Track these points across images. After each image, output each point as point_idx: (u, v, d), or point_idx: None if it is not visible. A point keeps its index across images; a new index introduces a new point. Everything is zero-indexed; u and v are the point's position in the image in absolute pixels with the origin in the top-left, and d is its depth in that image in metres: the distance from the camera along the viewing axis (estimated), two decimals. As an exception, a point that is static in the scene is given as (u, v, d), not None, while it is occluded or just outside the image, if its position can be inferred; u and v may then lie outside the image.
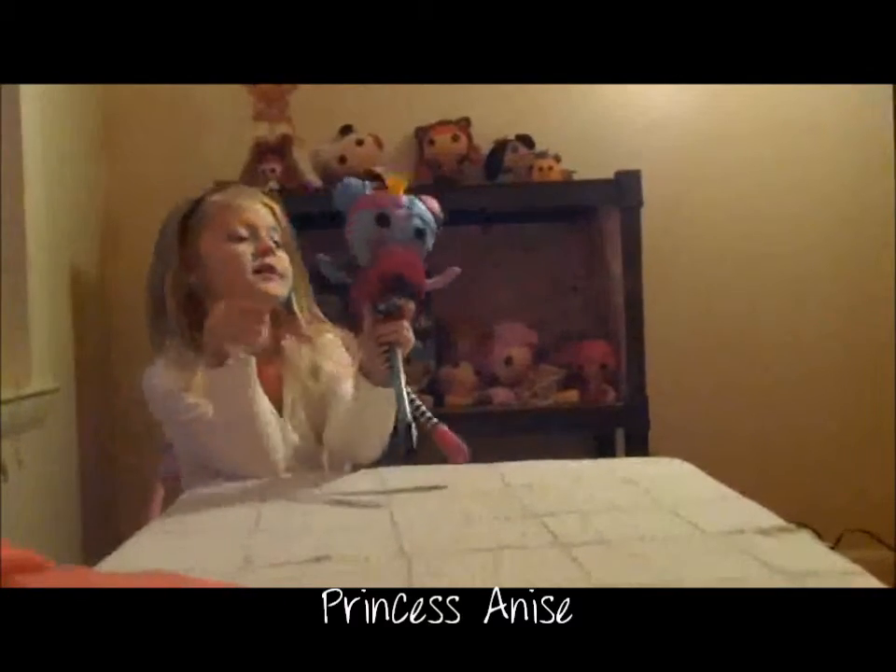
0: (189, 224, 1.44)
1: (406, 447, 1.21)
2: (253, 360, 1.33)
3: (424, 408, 1.41)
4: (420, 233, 1.26)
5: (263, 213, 1.45)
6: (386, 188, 1.28)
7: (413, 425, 1.22)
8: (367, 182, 1.28)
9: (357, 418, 1.36)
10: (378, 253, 1.24)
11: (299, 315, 1.48)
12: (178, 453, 1.49)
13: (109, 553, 0.94)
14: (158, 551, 0.96)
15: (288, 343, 1.47)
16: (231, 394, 1.32)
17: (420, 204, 1.27)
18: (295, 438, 1.41)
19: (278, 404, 1.42)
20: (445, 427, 1.25)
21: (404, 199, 1.26)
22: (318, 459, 1.43)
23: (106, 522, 2.44)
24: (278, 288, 1.41)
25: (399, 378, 1.25)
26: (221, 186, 1.53)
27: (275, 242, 1.43)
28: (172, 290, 1.41)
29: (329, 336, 1.51)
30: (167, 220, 1.47)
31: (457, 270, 1.29)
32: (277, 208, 1.48)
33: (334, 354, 1.50)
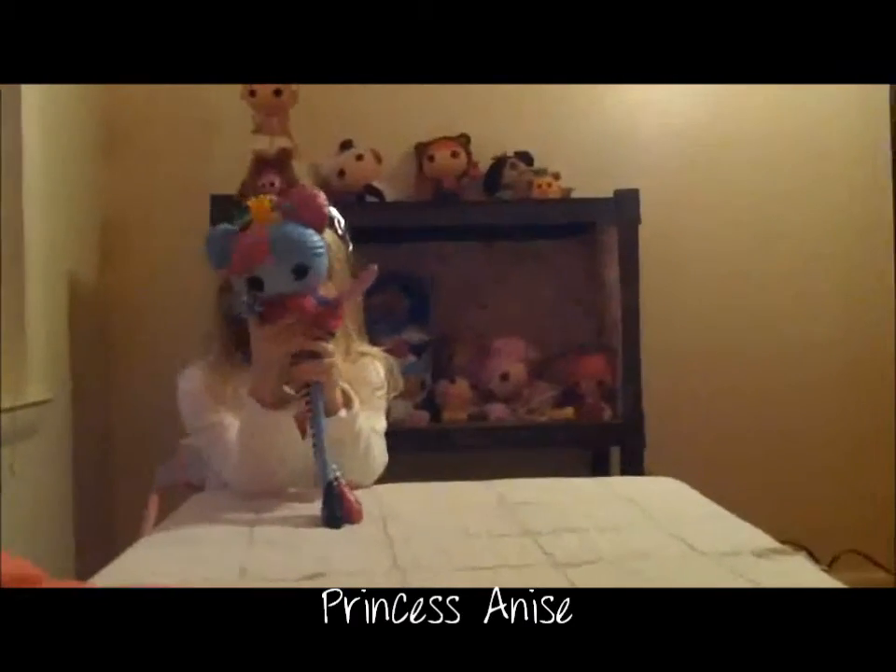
0: None
1: (328, 511, 1.12)
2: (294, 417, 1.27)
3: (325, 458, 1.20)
4: (302, 270, 1.13)
5: None
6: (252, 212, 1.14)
7: (337, 484, 1.13)
8: (228, 228, 1.15)
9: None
10: (270, 310, 1.15)
11: (341, 341, 1.43)
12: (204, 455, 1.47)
13: (104, 565, 0.94)
14: (153, 563, 0.95)
15: None
16: (268, 438, 1.29)
17: (293, 230, 1.12)
18: (311, 459, 1.39)
19: (303, 425, 1.40)
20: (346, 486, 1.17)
21: (269, 235, 1.11)
22: None
23: (101, 532, 2.43)
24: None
25: (318, 422, 1.17)
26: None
27: None
28: (217, 303, 1.43)
29: (365, 360, 1.47)
30: None
31: (374, 269, 1.17)
32: (332, 237, 1.38)
33: (365, 379, 1.45)
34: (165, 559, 0.97)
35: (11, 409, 1.90)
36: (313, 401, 1.19)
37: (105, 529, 2.45)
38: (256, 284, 1.13)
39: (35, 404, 2.02)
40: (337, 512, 1.12)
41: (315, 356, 1.20)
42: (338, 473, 1.16)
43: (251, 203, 1.15)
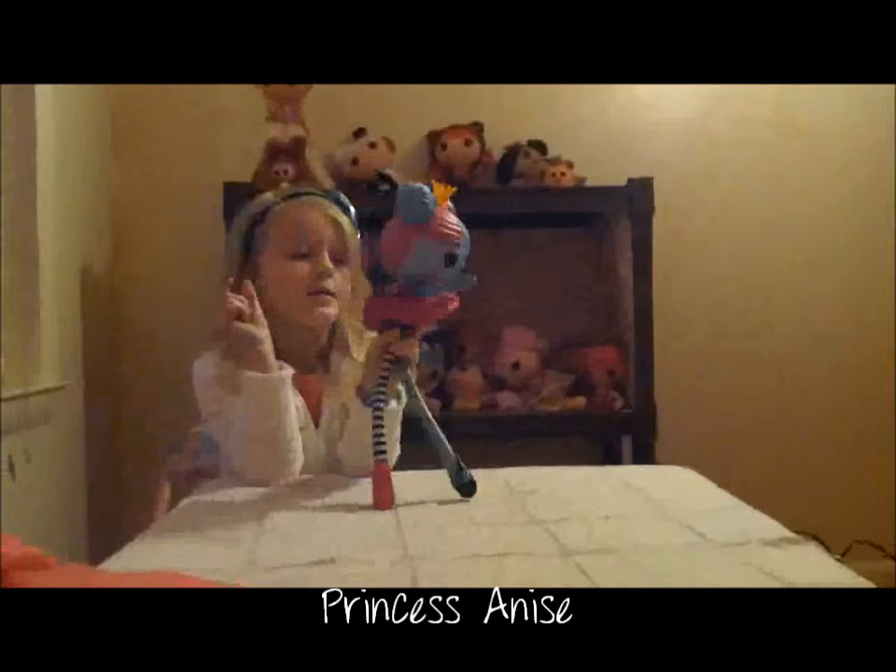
0: (255, 231, 1.44)
1: (460, 482, 1.16)
2: (290, 378, 1.31)
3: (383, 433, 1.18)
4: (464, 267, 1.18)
5: (328, 229, 1.42)
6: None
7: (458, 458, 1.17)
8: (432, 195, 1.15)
9: (357, 438, 1.31)
10: (434, 295, 1.17)
11: (347, 330, 1.46)
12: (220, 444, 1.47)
13: (114, 552, 0.94)
14: (162, 551, 0.95)
15: (335, 356, 1.46)
16: (262, 404, 1.29)
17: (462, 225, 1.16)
18: (322, 449, 1.40)
19: (316, 416, 1.41)
20: (388, 468, 1.15)
21: (460, 226, 1.15)
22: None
23: (112, 519, 2.44)
24: (331, 313, 1.41)
25: (417, 397, 1.21)
26: (295, 191, 1.49)
27: (338, 258, 1.42)
28: (231, 291, 1.42)
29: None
30: (236, 220, 1.47)
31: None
32: (346, 221, 1.43)
33: None
34: (173, 547, 0.97)
35: (25, 395, 1.91)
36: (403, 376, 1.21)
37: (116, 515, 2.47)
38: (452, 259, 1.13)
39: (47, 391, 2.04)
40: (471, 478, 1.16)
41: (413, 332, 1.20)
42: (384, 455, 1.16)
43: (440, 191, 1.15)
